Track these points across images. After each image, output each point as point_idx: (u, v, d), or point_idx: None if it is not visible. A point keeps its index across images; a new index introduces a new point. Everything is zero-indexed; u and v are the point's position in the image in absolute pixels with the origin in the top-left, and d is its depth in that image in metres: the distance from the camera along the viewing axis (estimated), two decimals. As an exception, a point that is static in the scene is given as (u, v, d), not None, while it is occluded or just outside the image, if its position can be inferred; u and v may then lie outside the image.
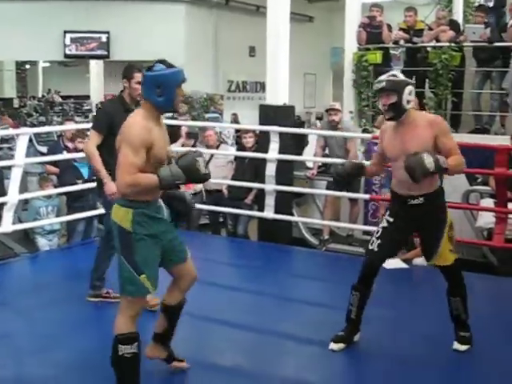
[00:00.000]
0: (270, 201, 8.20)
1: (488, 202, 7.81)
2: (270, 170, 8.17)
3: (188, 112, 14.84)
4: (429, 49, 10.06)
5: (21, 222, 8.42)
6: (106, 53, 18.00)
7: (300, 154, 9.75)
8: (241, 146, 9.12)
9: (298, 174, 9.13)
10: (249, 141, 8.76)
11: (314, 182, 9.36)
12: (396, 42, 10.43)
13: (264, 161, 8.19)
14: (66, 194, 8.19)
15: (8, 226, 7.05)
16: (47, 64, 26.90)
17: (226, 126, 13.73)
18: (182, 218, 4.20)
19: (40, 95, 26.12)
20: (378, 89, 4.53)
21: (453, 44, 9.77)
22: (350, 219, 8.94)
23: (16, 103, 22.32)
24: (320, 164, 9.35)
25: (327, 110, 8.91)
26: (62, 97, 24.98)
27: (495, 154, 6.96)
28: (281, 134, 8.17)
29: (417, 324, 5.32)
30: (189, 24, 17.91)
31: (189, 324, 5.18)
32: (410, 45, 10.33)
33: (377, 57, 10.36)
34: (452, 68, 9.67)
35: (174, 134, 9.43)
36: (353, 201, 8.90)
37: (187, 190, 8.83)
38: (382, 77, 4.59)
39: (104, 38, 17.73)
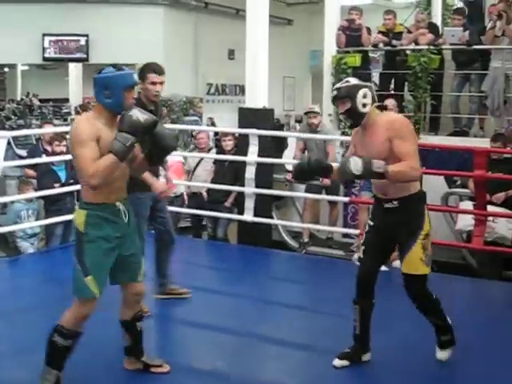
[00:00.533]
0: (249, 204, 8.18)
1: (467, 205, 7.83)
2: (250, 172, 8.15)
3: (167, 115, 14.79)
4: (408, 52, 10.08)
5: (-1, 226, 8.34)
6: (85, 56, 17.98)
7: (279, 156, 9.75)
8: (220, 149, 9.09)
9: (277, 177, 9.12)
10: (228, 144, 8.73)
11: (294, 185, 9.35)
12: (375, 45, 10.45)
13: (243, 164, 8.18)
14: (43, 197, 8.12)
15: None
16: (26, 67, 26.73)
17: (206, 129, 13.68)
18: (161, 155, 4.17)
19: (19, 98, 25.94)
20: (333, 98, 4.43)
21: (432, 47, 9.80)
22: (329, 222, 8.94)
23: (-5, 106, 22.16)
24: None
25: (306, 113, 8.90)
26: (40, 100, 24.80)
27: (474, 157, 6.98)
28: (260, 137, 8.16)
29: (396, 327, 5.32)
30: (168, 27, 17.92)
31: (169, 327, 5.17)
32: (389, 48, 10.35)
33: (356, 60, 10.36)
34: (431, 71, 9.70)
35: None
36: (332, 204, 8.89)
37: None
38: (337, 85, 4.49)
39: (83, 40, 17.71)
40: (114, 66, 3.86)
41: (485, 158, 6.93)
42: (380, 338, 4.75)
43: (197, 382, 4.35)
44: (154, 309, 5.42)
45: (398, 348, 4.88)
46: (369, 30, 10.54)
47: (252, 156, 8.14)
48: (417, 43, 10.07)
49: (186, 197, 9.21)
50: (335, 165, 4.46)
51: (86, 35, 17.58)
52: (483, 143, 8.07)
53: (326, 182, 8.51)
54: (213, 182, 8.75)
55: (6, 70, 27.05)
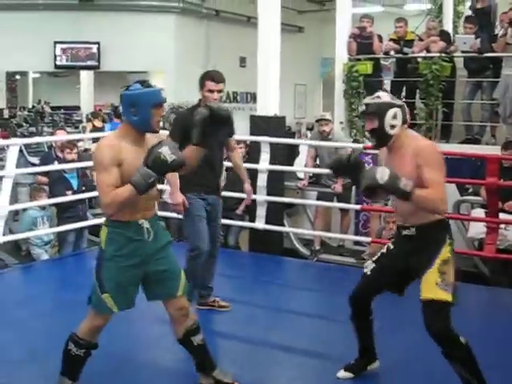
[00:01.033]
0: (261, 211, 8.18)
1: (479, 212, 7.81)
2: (261, 180, 8.16)
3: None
4: (419, 59, 10.08)
5: (12, 233, 8.36)
6: (96, 63, 18.04)
7: (291, 164, 9.76)
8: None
9: (288, 185, 9.12)
10: (239, 151, 8.74)
11: (305, 193, 9.36)
12: (386, 53, 10.45)
13: (255, 171, 8.18)
14: (55, 204, 8.15)
15: (-1, 237, 7.03)
16: (37, 75, 26.88)
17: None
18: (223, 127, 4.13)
19: (30, 106, 26.07)
20: (361, 112, 4.17)
21: (443, 54, 9.80)
22: (340, 229, 8.94)
23: (6, 114, 22.25)
24: (311, 175, 9.36)
25: (318, 121, 8.91)
26: (52, 107, 24.93)
27: (486, 164, 6.97)
28: (271, 145, 8.17)
29: (404, 335, 5.31)
30: (179, 34, 17.96)
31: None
32: (400, 55, 10.35)
33: (367, 67, 10.37)
34: (443, 78, 9.69)
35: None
36: (344, 211, 8.90)
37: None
38: (366, 99, 4.15)
39: (94, 48, 17.78)
40: (142, 82, 3.79)
41: (497, 165, 6.91)
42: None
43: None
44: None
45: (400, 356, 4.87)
46: (380, 38, 10.55)
47: (263, 163, 8.14)
48: (428, 51, 10.06)
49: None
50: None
51: (98, 43, 17.65)
52: (495, 151, 8.05)
53: (338, 189, 8.53)
54: (224, 189, 8.74)
55: (18, 77, 27.21)
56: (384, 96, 4.07)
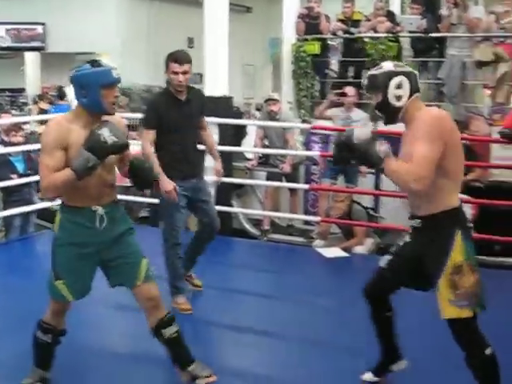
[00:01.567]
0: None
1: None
2: (209, 161, 8.13)
3: (127, 105, 14.70)
4: (366, 39, 10.16)
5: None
6: (42, 44, 17.75)
7: (239, 145, 9.75)
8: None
9: (237, 165, 9.13)
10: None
11: (254, 173, 9.38)
12: (334, 33, 10.52)
13: (203, 152, 8.16)
14: (1, 189, 8.04)
15: None
16: (-19, 56, 26.41)
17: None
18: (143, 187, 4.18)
19: (-27, 88, 25.59)
20: (364, 88, 3.72)
21: (390, 35, 9.88)
22: (290, 209, 8.98)
23: None
24: (260, 155, 9.37)
25: (266, 101, 8.92)
26: (-4, 90, 24.53)
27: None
28: (220, 125, 8.15)
29: (358, 313, 5.36)
30: (125, 14, 17.73)
31: (128, 317, 5.14)
32: (347, 35, 10.42)
33: (315, 47, 10.44)
34: (389, 58, 9.76)
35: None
36: (292, 191, 8.94)
37: (122, 182, 8.78)
38: (369, 71, 3.68)
39: (40, 29, 17.48)
40: (93, 62, 3.62)
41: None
42: (347, 326, 4.78)
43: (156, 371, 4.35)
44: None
45: (361, 334, 4.93)
46: (328, 18, 10.61)
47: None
48: (375, 31, 10.15)
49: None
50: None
51: (43, 23, 17.37)
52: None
53: (286, 169, 8.57)
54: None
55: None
56: (386, 65, 3.63)
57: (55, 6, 16.84)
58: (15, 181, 7.82)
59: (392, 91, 3.50)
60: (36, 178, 7.89)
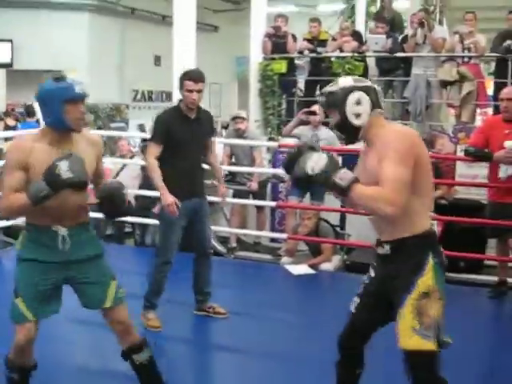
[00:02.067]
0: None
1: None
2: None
3: (93, 122, 14.68)
4: (333, 59, 10.27)
5: None
6: (8, 61, 17.63)
7: (205, 162, 9.75)
8: (148, 155, 9.04)
9: (204, 183, 9.12)
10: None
11: (221, 191, 9.37)
12: (301, 52, 10.61)
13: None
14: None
15: None
16: None
17: (135, 134, 13.61)
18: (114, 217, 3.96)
19: None
20: (320, 105, 3.51)
21: (356, 54, 10.00)
22: (256, 227, 9.01)
23: None
24: (226, 172, 9.39)
25: (233, 119, 8.96)
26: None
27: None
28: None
29: (326, 329, 5.40)
30: (94, 32, 17.73)
31: (92, 333, 5.12)
32: (314, 55, 10.51)
33: (282, 66, 10.51)
34: (355, 77, 9.88)
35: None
36: (259, 208, 8.98)
37: (91, 200, 8.76)
38: (325, 88, 3.36)
39: (7, 46, 17.38)
40: (56, 78, 3.48)
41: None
42: (314, 341, 4.80)
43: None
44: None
45: (328, 348, 4.95)
46: (294, 37, 10.69)
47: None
48: (341, 50, 10.28)
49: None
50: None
51: (10, 40, 17.28)
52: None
53: (254, 186, 8.61)
54: (140, 188, 8.72)
55: None
56: (343, 81, 3.30)
57: (22, 23, 16.77)
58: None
59: (350, 108, 3.20)
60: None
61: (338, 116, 3.24)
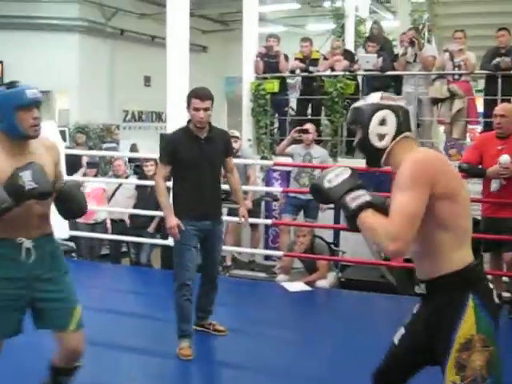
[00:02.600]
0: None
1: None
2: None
3: (84, 142, 14.70)
4: (324, 78, 10.34)
5: None
6: (-1, 82, 17.68)
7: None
8: (142, 175, 9.10)
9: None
10: (150, 169, 8.73)
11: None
12: (292, 71, 10.68)
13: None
14: None
15: None
16: None
17: (128, 154, 13.61)
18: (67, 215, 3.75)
19: None
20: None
21: (347, 73, 10.09)
22: (251, 245, 9.05)
23: None
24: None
25: (227, 138, 8.99)
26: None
27: (390, 178, 7.15)
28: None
29: (321, 346, 5.44)
30: (83, 53, 17.80)
31: (94, 353, 5.15)
32: (306, 74, 10.58)
33: (274, 85, 10.56)
34: (347, 96, 9.97)
35: (74, 163, 9.41)
36: (254, 227, 9.01)
37: (87, 219, 8.81)
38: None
39: (-3, 67, 17.43)
40: (9, 84, 3.34)
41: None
42: (309, 358, 4.82)
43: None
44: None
45: (324, 365, 4.98)
46: (286, 57, 10.76)
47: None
48: (333, 69, 10.35)
49: (109, 223, 9.17)
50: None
51: (1, 62, 17.31)
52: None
53: (248, 205, 8.64)
54: (135, 207, 8.75)
55: None
56: (372, 97, 3.02)
57: (13, 44, 16.82)
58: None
59: (373, 128, 2.89)
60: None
61: (361, 135, 2.96)
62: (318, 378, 4.76)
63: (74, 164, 9.51)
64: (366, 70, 10.19)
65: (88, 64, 17.74)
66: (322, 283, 7.49)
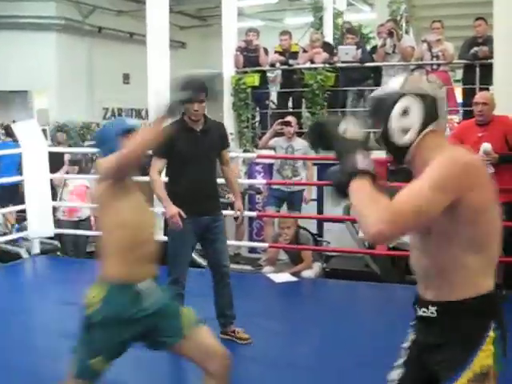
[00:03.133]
0: (158, 223, 8.21)
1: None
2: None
3: (65, 141, 14.66)
4: (304, 70, 10.38)
5: None
6: (-23, 83, 17.60)
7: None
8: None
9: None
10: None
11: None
12: (272, 65, 10.71)
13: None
14: None
15: None
16: None
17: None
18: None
19: None
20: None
21: (327, 65, 10.14)
22: (236, 238, 9.07)
23: None
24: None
25: (209, 132, 9.01)
26: None
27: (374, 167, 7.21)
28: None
29: (308, 336, 5.50)
30: (61, 52, 17.78)
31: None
32: (286, 67, 10.62)
33: (254, 79, 10.58)
34: (327, 88, 10.01)
35: (56, 161, 9.38)
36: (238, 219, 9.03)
37: (70, 217, 8.82)
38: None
39: (-25, 68, 17.36)
40: None
41: (384, 168, 7.20)
42: (296, 348, 4.88)
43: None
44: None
45: (312, 355, 5.03)
46: (266, 51, 10.79)
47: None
48: (312, 62, 10.39)
49: (93, 220, 9.16)
50: None
51: (-22, 62, 17.29)
52: (380, 155, 8.34)
53: (232, 198, 8.68)
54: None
55: None
56: (392, 82, 2.49)
57: (-9, 44, 16.79)
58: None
59: (396, 121, 2.38)
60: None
61: (381, 128, 2.44)
62: (305, 366, 4.81)
63: (56, 162, 9.49)
64: (345, 62, 10.23)
65: (66, 62, 17.71)
66: (308, 273, 7.54)
